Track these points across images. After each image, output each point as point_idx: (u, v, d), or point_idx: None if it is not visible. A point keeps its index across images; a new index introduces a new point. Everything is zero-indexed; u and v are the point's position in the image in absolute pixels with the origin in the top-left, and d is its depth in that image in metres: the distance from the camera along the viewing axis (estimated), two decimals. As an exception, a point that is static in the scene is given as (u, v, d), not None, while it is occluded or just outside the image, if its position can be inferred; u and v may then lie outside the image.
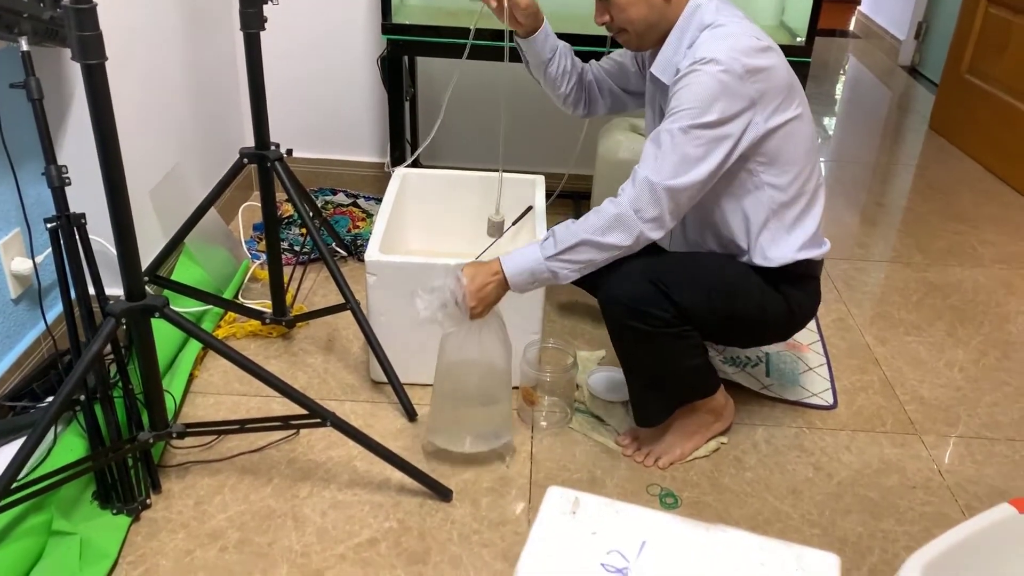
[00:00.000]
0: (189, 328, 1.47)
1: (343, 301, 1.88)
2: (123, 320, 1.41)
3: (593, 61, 1.90)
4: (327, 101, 2.73)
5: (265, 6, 1.70)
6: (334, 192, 2.76)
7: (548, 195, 2.18)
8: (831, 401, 1.95)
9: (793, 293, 1.66)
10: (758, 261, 1.63)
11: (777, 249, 1.62)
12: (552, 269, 1.51)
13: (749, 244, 1.63)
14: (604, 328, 2.07)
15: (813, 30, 2.21)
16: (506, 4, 1.65)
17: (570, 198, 2.80)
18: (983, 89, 3.48)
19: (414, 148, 2.69)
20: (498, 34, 2.17)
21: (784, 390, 1.97)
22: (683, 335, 1.58)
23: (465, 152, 2.85)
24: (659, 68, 1.59)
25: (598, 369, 1.99)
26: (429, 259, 1.84)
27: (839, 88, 4.59)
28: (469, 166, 2.78)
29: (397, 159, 2.33)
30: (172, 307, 1.45)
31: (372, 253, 1.79)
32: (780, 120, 1.53)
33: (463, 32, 2.15)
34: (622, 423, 1.83)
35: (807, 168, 1.61)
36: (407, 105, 2.59)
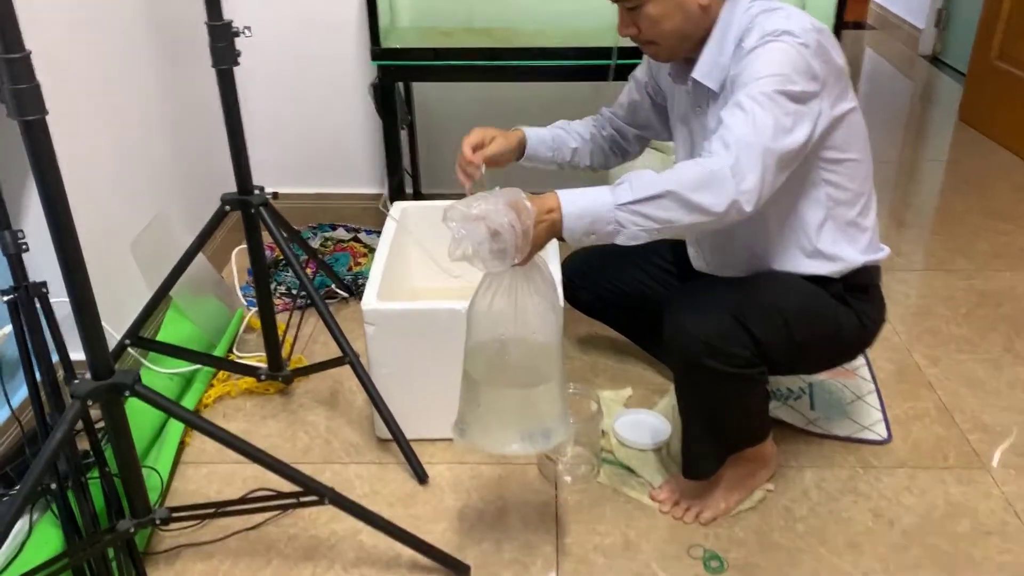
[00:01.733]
0: (166, 406, 1.32)
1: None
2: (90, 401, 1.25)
3: (603, 113, 1.76)
4: (321, 133, 2.58)
5: (239, 39, 1.55)
6: (334, 227, 2.61)
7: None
8: (885, 434, 1.76)
9: (861, 305, 1.51)
10: (821, 269, 1.47)
11: (840, 253, 1.48)
12: (620, 221, 1.21)
13: (807, 248, 1.48)
14: (628, 363, 1.91)
15: (840, 21, 2.04)
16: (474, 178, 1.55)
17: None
18: (1015, 75, 3.29)
19: (414, 178, 2.54)
20: (497, 52, 2.04)
21: (832, 424, 1.79)
22: (759, 377, 1.41)
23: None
24: (703, 73, 1.42)
25: (625, 412, 1.81)
26: (433, 303, 1.68)
27: (859, 82, 4.40)
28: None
29: (395, 191, 2.18)
30: (158, 369, 1.29)
31: (369, 301, 1.63)
32: (842, 109, 1.39)
33: (459, 53, 2.01)
34: (656, 473, 1.66)
35: (865, 165, 1.47)
36: (405, 133, 2.43)
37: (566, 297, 1.77)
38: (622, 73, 2.02)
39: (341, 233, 2.57)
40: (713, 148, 1.25)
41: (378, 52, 1.98)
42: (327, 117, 2.55)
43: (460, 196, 1.95)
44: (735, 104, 1.28)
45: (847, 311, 1.49)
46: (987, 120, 3.49)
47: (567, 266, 1.84)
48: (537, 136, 1.66)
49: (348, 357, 1.69)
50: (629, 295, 1.82)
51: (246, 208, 1.69)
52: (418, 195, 2.57)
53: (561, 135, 1.70)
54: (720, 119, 1.29)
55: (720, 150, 1.25)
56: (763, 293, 1.44)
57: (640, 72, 1.70)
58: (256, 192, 1.70)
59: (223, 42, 1.52)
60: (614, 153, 1.77)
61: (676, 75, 1.52)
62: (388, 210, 1.99)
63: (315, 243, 2.51)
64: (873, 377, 1.94)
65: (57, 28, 1.66)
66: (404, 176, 2.30)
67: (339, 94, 2.51)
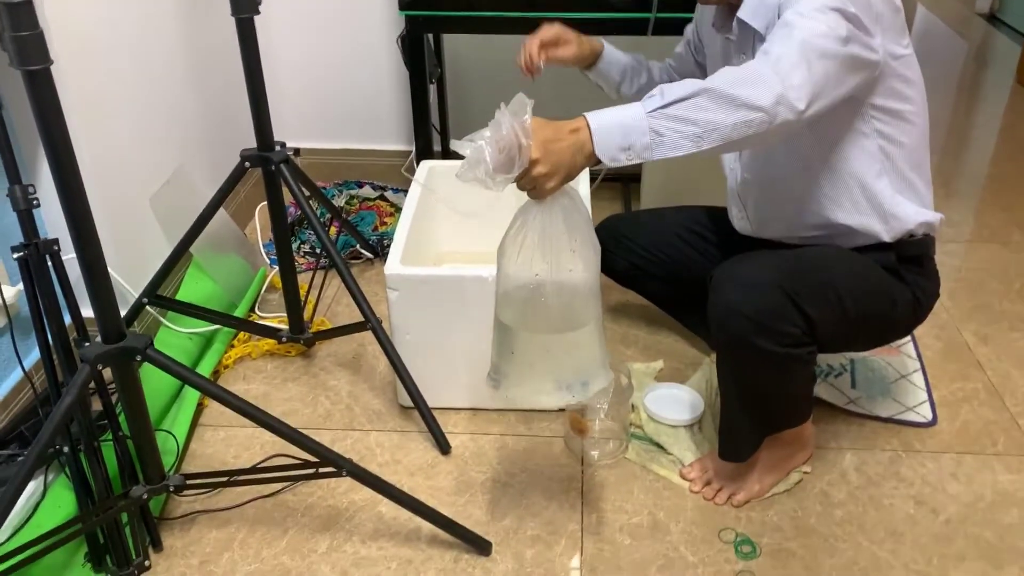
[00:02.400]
0: (179, 372, 1.27)
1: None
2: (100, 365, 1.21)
3: (667, 63, 1.71)
4: (349, 87, 2.49)
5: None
6: (360, 185, 2.54)
7: (593, 179, 1.93)
8: (930, 416, 1.68)
9: (915, 278, 1.43)
10: (873, 226, 1.39)
11: (894, 210, 1.38)
12: (655, 128, 1.08)
13: (859, 203, 1.38)
14: (660, 334, 1.84)
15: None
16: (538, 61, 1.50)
17: (618, 181, 2.53)
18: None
19: (443, 135, 2.45)
20: (533, 2, 1.93)
21: (874, 404, 1.70)
22: (807, 357, 1.34)
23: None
24: (749, 12, 1.31)
25: (656, 386, 1.74)
26: (458, 269, 1.61)
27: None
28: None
29: (423, 150, 2.09)
30: (177, 328, 1.25)
31: (392, 265, 1.56)
32: (899, 51, 1.29)
33: (492, 3, 1.91)
34: (687, 451, 1.59)
35: (921, 119, 1.37)
36: (434, 87, 2.34)
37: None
38: (661, 27, 1.92)
39: (367, 191, 2.50)
40: (767, 48, 1.16)
41: (406, 2, 1.88)
42: (354, 70, 2.46)
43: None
44: (781, 23, 1.18)
45: (901, 286, 1.41)
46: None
47: (600, 231, 1.75)
48: (614, 55, 1.62)
49: (370, 323, 1.63)
50: (665, 263, 1.74)
51: (266, 165, 1.62)
52: (447, 153, 2.49)
53: (636, 66, 1.66)
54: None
55: (772, 47, 1.15)
56: (814, 266, 1.35)
57: (688, 27, 1.64)
58: (277, 149, 1.63)
59: (243, -11, 1.44)
60: None
61: (720, 24, 1.43)
62: (414, 171, 1.92)
63: (340, 201, 2.45)
64: (919, 355, 1.85)
65: (73, -28, 1.59)
66: (432, 133, 2.21)
67: (367, 46, 2.42)
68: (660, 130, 1.08)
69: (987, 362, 1.84)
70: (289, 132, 2.56)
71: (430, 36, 2.24)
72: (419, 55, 1.97)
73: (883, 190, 1.37)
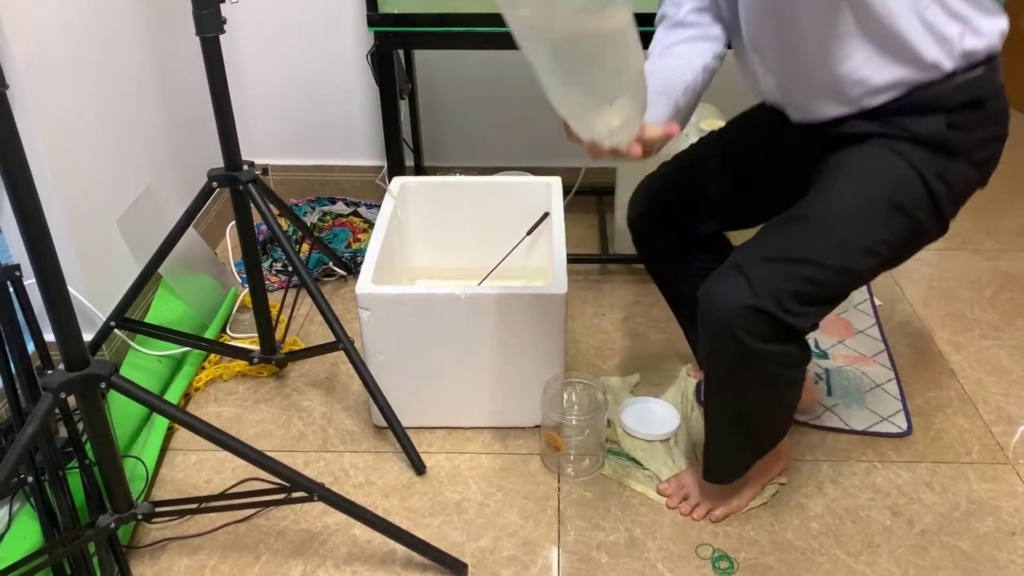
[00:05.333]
0: (145, 399, 1.24)
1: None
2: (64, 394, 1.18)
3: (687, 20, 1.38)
4: (320, 102, 2.48)
5: (224, 5, 1.45)
6: (333, 201, 2.52)
7: (566, 192, 1.92)
8: (905, 426, 1.68)
9: (974, 138, 1.24)
10: (929, 52, 1.16)
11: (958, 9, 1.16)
12: None
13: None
14: (636, 348, 1.83)
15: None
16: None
17: (592, 194, 2.53)
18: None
19: (416, 151, 2.44)
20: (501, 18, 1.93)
21: (850, 415, 1.70)
22: (802, 375, 1.31)
23: (473, 148, 2.59)
24: None
25: (633, 401, 1.74)
26: (430, 287, 1.60)
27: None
28: (478, 164, 2.54)
29: (395, 165, 2.08)
30: (147, 351, 1.22)
31: (363, 284, 1.55)
32: None
33: (462, 19, 1.90)
34: (664, 466, 1.58)
35: None
36: (406, 103, 2.33)
37: (636, 247, 1.61)
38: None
39: (340, 207, 2.49)
40: None
41: (375, 18, 1.87)
42: (326, 85, 2.45)
43: (465, 169, 1.81)
44: None
45: (936, 202, 1.24)
46: (1011, 85, 3.35)
47: (633, 208, 1.59)
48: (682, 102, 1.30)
49: (342, 343, 1.61)
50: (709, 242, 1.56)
51: (234, 185, 1.60)
52: (420, 169, 2.48)
53: (698, 78, 1.32)
54: None
55: None
56: (826, 248, 1.21)
57: None
58: (245, 168, 1.61)
59: (207, 8, 1.42)
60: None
61: None
62: (386, 185, 1.90)
63: (313, 217, 2.43)
64: (893, 364, 1.86)
65: (34, -8, 1.57)
66: (405, 149, 2.20)
67: (338, 61, 2.41)
68: None
69: (960, 370, 1.85)
70: (261, 148, 2.54)
71: (400, 51, 2.23)
72: (389, 71, 1.96)
73: None
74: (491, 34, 1.90)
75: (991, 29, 1.19)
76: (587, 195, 2.52)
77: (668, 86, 1.28)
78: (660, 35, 1.38)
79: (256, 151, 2.54)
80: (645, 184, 1.58)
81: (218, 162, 1.60)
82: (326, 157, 2.55)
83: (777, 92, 1.34)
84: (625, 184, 2.26)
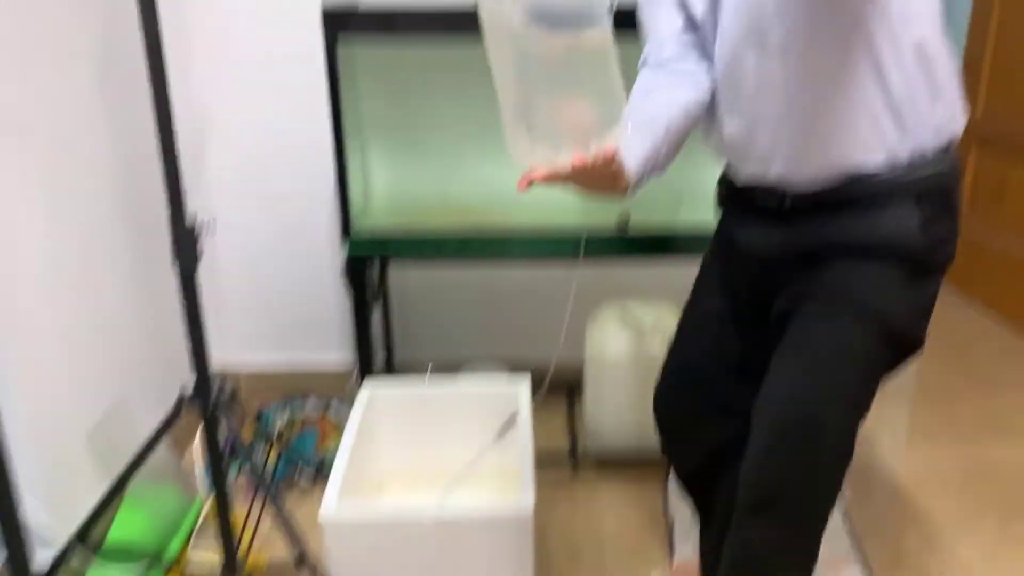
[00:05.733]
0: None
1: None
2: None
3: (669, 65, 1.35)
4: (294, 303, 2.55)
5: (201, 238, 1.52)
6: (304, 398, 2.53)
7: (537, 388, 1.96)
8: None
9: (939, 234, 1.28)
10: (914, 128, 1.20)
11: (931, 110, 1.21)
12: None
13: (893, 98, 1.18)
14: (610, 551, 1.79)
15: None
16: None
17: (563, 391, 2.57)
18: (985, 237, 3.33)
19: (388, 351, 2.49)
20: (471, 236, 2.04)
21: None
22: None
23: (445, 342, 2.64)
24: None
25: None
26: (395, 514, 1.58)
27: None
28: (450, 357, 2.59)
29: (365, 368, 2.12)
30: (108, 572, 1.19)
31: (328, 507, 1.54)
32: None
33: (432, 237, 2.01)
34: None
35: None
36: (380, 304, 2.41)
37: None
38: (592, 251, 2.02)
39: (311, 405, 2.50)
40: None
41: (349, 235, 1.97)
42: (300, 287, 2.53)
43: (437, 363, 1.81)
44: None
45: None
46: (965, 279, 3.51)
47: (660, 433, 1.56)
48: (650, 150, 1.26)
49: (306, 565, 1.59)
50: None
51: (204, 400, 1.62)
52: (390, 368, 2.52)
53: (676, 127, 1.29)
54: None
55: None
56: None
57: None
58: (216, 387, 1.64)
59: (186, 243, 1.50)
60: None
61: None
62: (356, 393, 1.93)
63: (283, 417, 2.43)
64: (867, 569, 1.84)
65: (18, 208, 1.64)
66: (374, 351, 2.24)
67: (312, 263, 2.50)
68: None
69: (936, 571, 1.84)
70: (233, 348, 2.58)
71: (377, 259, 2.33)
72: (361, 281, 2.04)
73: (914, 82, 1.19)
74: (464, 244, 2.00)
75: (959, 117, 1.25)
76: (559, 390, 2.56)
77: (649, 126, 1.25)
78: (643, 76, 1.36)
79: (228, 351, 2.57)
80: (659, 409, 1.55)
81: (187, 367, 1.63)
82: (298, 356, 2.60)
83: (744, 137, 1.30)
84: (594, 392, 2.29)
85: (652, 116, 1.26)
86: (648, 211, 2.07)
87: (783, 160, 1.25)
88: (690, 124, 1.31)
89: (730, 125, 1.30)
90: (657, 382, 1.56)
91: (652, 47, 1.37)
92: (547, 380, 2.24)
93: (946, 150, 1.25)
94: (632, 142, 1.21)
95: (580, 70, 1.02)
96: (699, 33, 1.32)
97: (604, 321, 2.24)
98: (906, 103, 1.19)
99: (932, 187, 1.24)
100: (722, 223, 1.50)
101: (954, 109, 1.24)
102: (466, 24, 1.84)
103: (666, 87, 1.31)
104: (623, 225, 2.08)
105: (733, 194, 1.42)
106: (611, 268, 2.49)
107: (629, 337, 2.19)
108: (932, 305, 1.30)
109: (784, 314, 1.31)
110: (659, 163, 1.27)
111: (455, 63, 2.16)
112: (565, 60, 1.01)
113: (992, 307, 3.29)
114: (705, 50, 1.33)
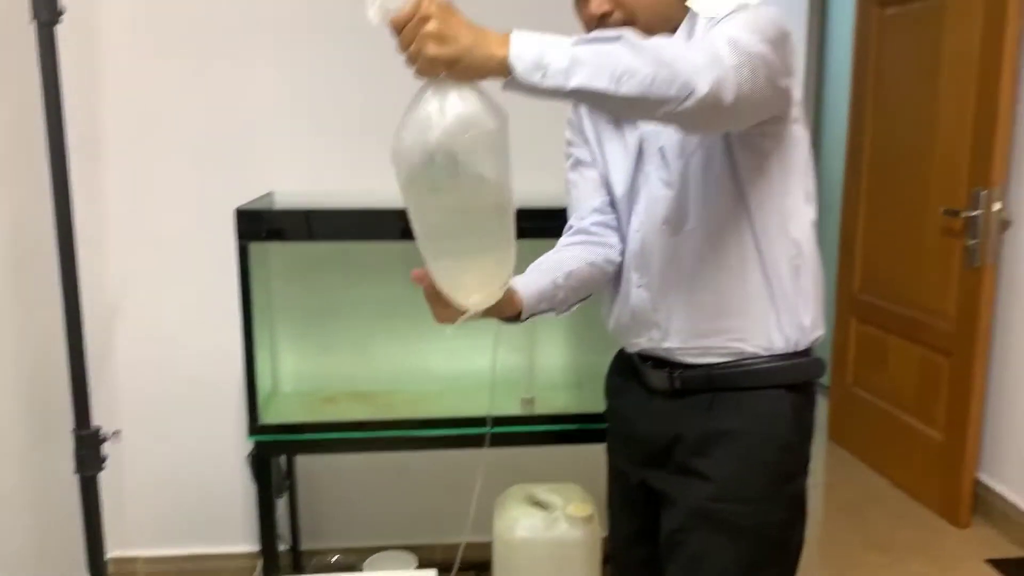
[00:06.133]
0: None
1: None
2: None
3: (591, 230, 1.49)
4: (199, 492, 2.52)
5: (105, 445, 1.53)
6: (206, 591, 2.45)
7: (447, 572, 1.95)
8: None
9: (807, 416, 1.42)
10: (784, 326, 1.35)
11: (802, 305, 1.36)
12: (576, 55, 1.03)
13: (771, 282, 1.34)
14: None
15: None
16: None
17: (471, 570, 2.56)
18: (873, 403, 3.53)
19: (294, 537, 2.45)
20: (377, 424, 2.10)
21: None
22: None
23: (352, 529, 2.62)
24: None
25: None
26: None
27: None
28: (357, 544, 2.56)
29: (269, 560, 2.09)
30: None
31: None
32: (797, 113, 1.32)
33: (338, 426, 2.04)
34: None
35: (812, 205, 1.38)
36: (287, 494, 2.39)
37: None
38: (497, 441, 2.08)
39: (213, 598, 2.42)
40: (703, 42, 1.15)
41: (256, 428, 1.99)
42: (202, 473, 2.51)
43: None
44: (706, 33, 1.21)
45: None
46: (855, 443, 3.69)
47: None
48: (547, 287, 1.39)
49: None
50: None
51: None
52: (296, 558, 2.48)
53: (576, 279, 1.43)
54: None
55: (703, 42, 1.14)
56: None
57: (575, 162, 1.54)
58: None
59: (88, 449, 1.50)
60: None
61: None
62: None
63: (183, 613, 2.34)
64: None
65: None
66: (278, 539, 2.21)
67: (216, 451, 2.49)
68: (581, 57, 1.03)
69: None
70: (134, 539, 2.50)
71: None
72: (266, 474, 2.04)
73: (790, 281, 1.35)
74: (372, 439, 2.04)
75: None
76: (469, 570, 2.54)
77: (552, 268, 1.39)
78: (560, 241, 1.50)
79: (128, 541, 2.50)
80: None
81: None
82: (200, 545, 2.53)
83: (646, 308, 1.41)
84: (502, 566, 2.31)
85: (556, 261, 1.41)
86: (552, 394, 2.17)
87: (677, 333, 1.38)
88: (593, 278, 1.44)
89: (636, 296, 1.43)
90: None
91: (574, 220, 1.51)
92: (456, 565, 2.24)
93: (810, 351, 1.39)
94: (531, 276, 1.36)
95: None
96: (616, 213, 1.48)
97: (511, 502, 2.27)
98: (784, 299, 1.35)
99: (800, 379, 1.39)
100: (614, 401, 1.61)
101: (818, 314, 1.40)
102: (371, 225, 1.97)
103: (578, 246, 1.45)
104: (528, 408, 2.16)
105: (625, 373, 1.54)
106: (518, 450, 2.55)
107: (536, 517, 2.23)
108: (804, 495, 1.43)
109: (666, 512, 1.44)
110: (556, 302, 1.39)
111: (362, 256, 2.27)
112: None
113: (882, 472, 3.45)
114: (619, 229, 1.47)
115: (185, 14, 2.31)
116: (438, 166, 1.03)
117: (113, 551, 2.40)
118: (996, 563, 2.73)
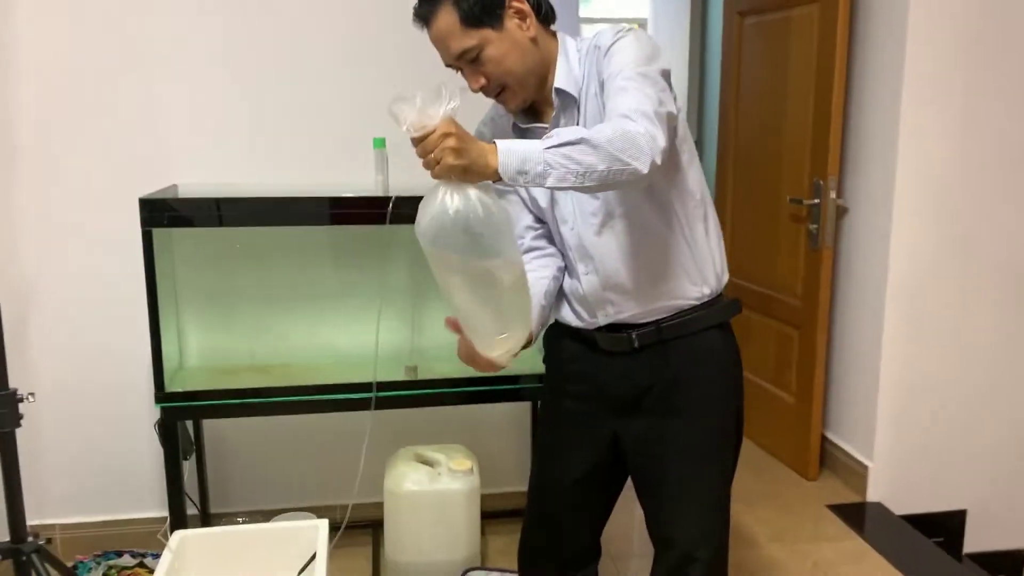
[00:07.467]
0: None
1: None
2: None
3: (544, 253, 1.74)
4: (109, 459, 2.70)
5: (20, 405, 1.74)
6: (119, 554, 2.65)
7: (336, 530, 2.19)
8: None
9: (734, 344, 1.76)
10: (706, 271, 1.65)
11: (714, 256, 1.67)
12: (548, 161, 1.29)
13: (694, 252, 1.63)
14: None
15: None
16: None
17: (368, 527, 2.81)
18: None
19: (203, 500, 2.67)
20: (275, 391, 2.33)
21: None
22: None
23: (257, 493, 2.85)
24: (563, 81, 1.56)
25: None
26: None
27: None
28: (263, 507, 2.79)
29: (177, 519, 2.30)
30: None
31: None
32: (681, 129, 1.59)
33: (240, 394, 2.27)
34: None
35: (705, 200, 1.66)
36: (194, 459, 2.60)
37: None
38: (382, 404, 2.35)
39: (126, 560, 2.61)
40: (627, 117, 1.38)
41: (162, 396, 2.20)
42: (115, 443, 2.68)
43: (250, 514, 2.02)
44: (617, 89, 1.43)
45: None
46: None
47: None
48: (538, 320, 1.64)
49: None
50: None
51: (17, 556, 1.78)
52: (205, 517, 2.69)
53: (548, 302, 1.69)
54: (602, 106, 1.49)
55: (619, 120, 1.37)
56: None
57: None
58: (29, 539, 1.80)
59: (5, 408, 1.70)
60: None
61: (527, 121, 1.65)
62: (166, 540, 2.11)
63: (98, 573, 2.54)
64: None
65: None
66: (185, 509, 2.42)
67: (126, 418, 2.67)
68: (552, 163, 1.30)
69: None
70: (50, 508, 2.68)
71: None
72: (173, 439, 2.26)
73: (702, 237, 1.66)
74: (265, 404, 2.27)
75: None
76: (363, 527, 2.80)
77: (534, 295, 1.61)
78: None
79: (45, 511, 2.67)
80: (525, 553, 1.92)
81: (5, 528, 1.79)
82: (114, 512, 2.72)
83: (597, 290, 1.66)
84: (393, 525, 2.56)
85: (538, 292, 1.66)
86: (432, 361, 2.44)
87: (629, 304, 1.66)
88: (558, 286, 1.73)
89: (587, 283, 1.68)
90: (521, 536, 1.92)
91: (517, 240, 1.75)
92: (346, 518, 2.49)
93: (721, 295, 1.73)
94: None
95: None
96: (545, 225, 1.74)
97: (399, 462, 2.54)
98: (701, 255, 1.65)
99: (728, 317, 1.73)
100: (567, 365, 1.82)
101: (724, 260, 1.72)
102: (266, 212, 2.21)
103: (538, 268, 1.70)
104: (411, 375, 2.43)
105: (578, 339, 1.77)
106: (408, 416, 2.81)
107: (422, 472, 2.50)
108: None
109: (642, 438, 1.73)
110: (546, 320, 1.70)
111: (260, 240, 2.51)
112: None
113: (747, 435, 3.80)
114: (553, 235, 1.73)
115: (99, 11, 2.48)
116: (453, 246, 1.31)
117: (32, 520, 2.57)
118: (834, 508, 3.12)
